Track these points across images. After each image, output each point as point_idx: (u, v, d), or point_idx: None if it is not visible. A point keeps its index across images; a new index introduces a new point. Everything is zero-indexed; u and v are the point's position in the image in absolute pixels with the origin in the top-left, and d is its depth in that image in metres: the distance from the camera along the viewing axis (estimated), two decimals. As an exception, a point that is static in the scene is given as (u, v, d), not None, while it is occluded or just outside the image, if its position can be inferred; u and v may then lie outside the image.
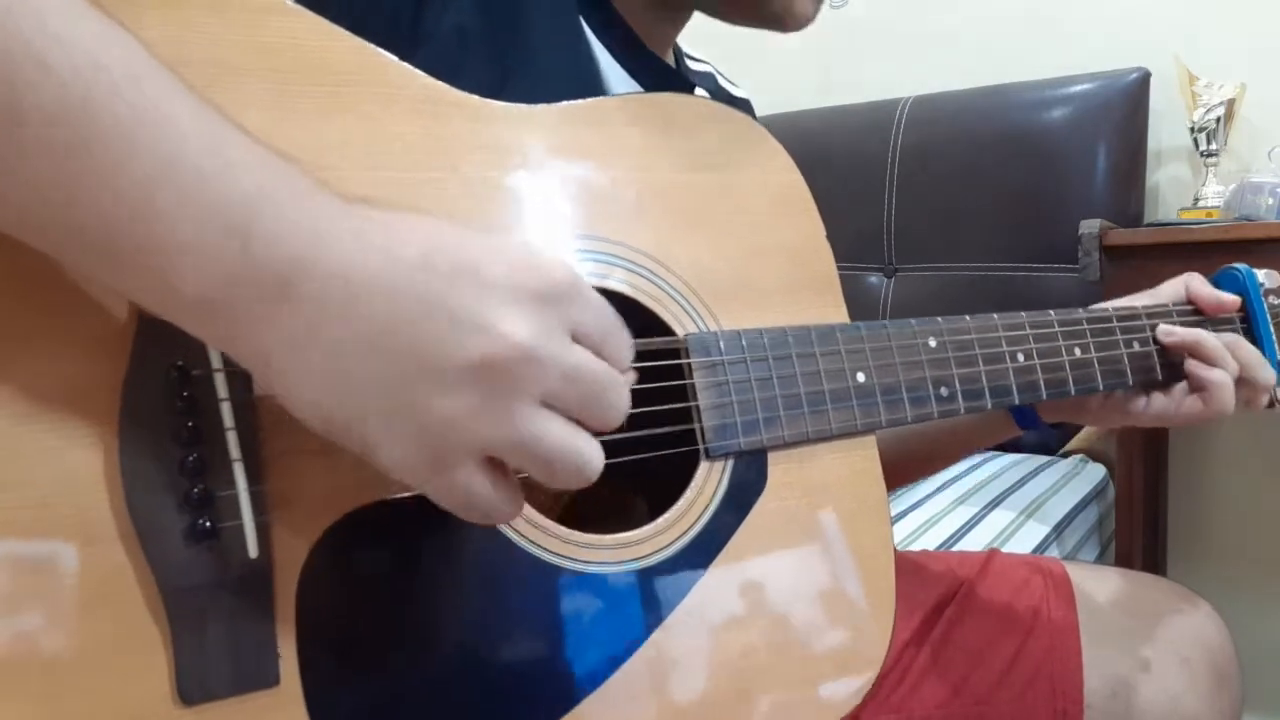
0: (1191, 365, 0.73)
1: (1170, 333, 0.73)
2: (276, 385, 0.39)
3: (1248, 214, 1.46)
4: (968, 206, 1.70)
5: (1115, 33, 1.73)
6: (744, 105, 0.83)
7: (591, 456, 0.41)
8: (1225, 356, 0.72)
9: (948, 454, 0.88)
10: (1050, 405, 0.77)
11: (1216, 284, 0.80)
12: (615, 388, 0.41)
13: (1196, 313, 0.77)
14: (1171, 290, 0.78)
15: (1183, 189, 1.71)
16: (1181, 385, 0.74)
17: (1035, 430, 0.80)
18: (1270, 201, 1.45)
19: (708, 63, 0.83)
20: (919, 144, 1.75)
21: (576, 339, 0.40)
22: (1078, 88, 1.65)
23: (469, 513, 0.40)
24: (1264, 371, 0.73)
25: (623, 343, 0.42)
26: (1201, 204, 1.59)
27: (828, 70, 2.00)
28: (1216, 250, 1.36)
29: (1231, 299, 0.77)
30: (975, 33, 1.87)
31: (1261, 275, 0.80)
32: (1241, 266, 0.79)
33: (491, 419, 0.38)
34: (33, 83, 0.34)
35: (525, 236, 0.51)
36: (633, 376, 0.43)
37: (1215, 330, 0.75)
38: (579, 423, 0.41)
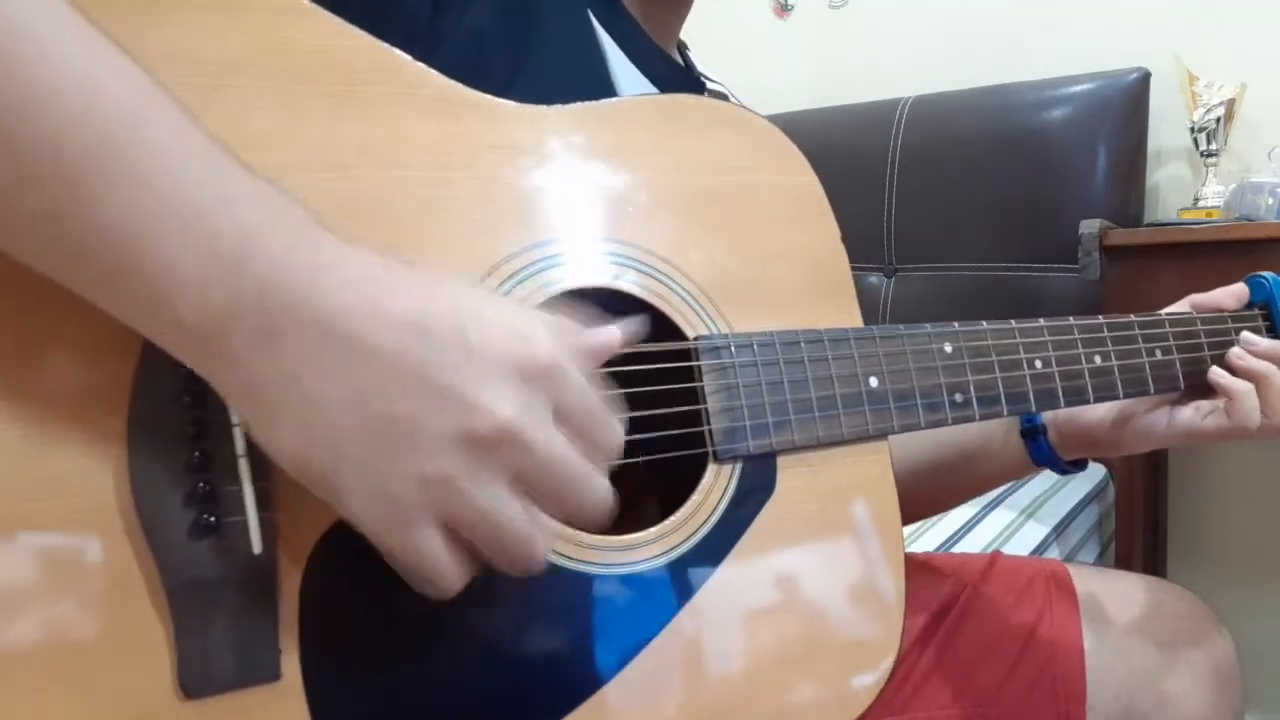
0: (1215, 374, 0.71)
1: (1254, 343, 0.71)
2: (255, 424, 0.40)
3: (1248, 214, 1.46)
4: (968, 206, 1.70)
5: (1115, 33, 1.73)
6: None
7: (539, 551, 0.41)
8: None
9: (959, 492, 0.87)
10: (1069, 440, 0.77)
11: None
12: (587, 480, 0.41)
13: (1217, 318, 0.75)
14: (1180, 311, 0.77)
15: (1183, 189, 1.71)
16: (1200, 402, 0.72)
17: (1054, 468, 0.79)
18: (1270, 201, 1.45)
19: (721, 84, 0.83)
20: (919, 144, 1.75)
21: (560, 418, 0.41)
22: (1078, 88, 1.65)
23: (415, 575, 0.41)
24: None
25: (605, 426, 0.42)
26: (1201, 204, 1.59)
27: (828, 70, 2.00)
28: (1216, 250, 1.37)
29: (1238, 287, 0.77)
30: (975, 33, 1.87)
31: None
32: (1268, 275, 0.77)
33: (459, 490, 0.39)
34: (36, 116, 0.35)
35: (538, 236, 0.51)
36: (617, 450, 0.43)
37: (1238, 328, 0.74)
38: (549, 506, 0.41)
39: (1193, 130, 1.61)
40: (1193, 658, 0.77)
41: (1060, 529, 1.38)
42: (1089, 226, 1.44)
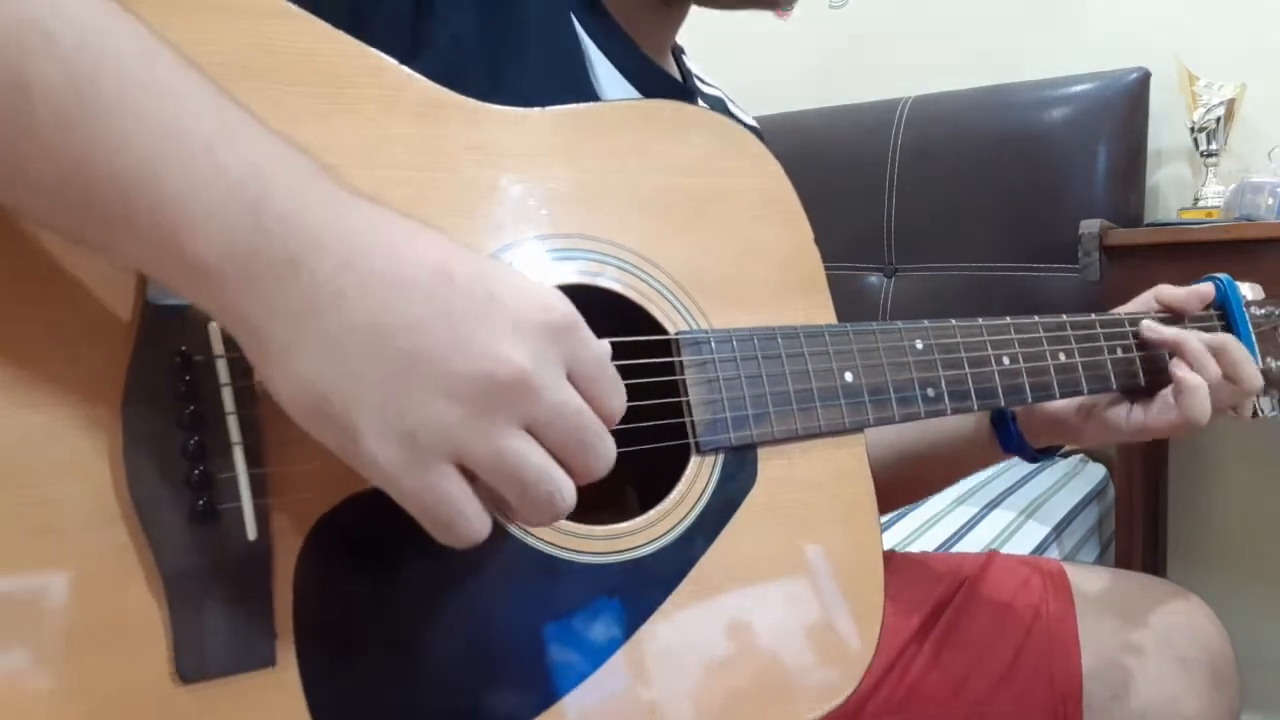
0: (1174, 367, 0.72)
1: (1155, 330, 0.73)
2: (271, 361, 0.39)
3: (1248, 214, 1.46)
4: (968, 206, 1.70)
5: (1115, 33, 1.73)
6: (753, 132, 0.84)
7: (562, 488, 0.41)
8: (1206, 360, 0.72)
9: (932, 480, 0.88)
10: (1037, 428, 0.78)
11: None
12: (596, 433, 0.42)
13: (1175, 319, 0.77)
14: (1143, 302, 0.79)
15: (1183, 189, 1.71)
16: (1162, 396, 0.73)
17: (1023, 455, 0.80)
18: (1270, 201, 1.45)
19: (719, 88, 0.84)
20: (919, 144, 1.75)
21: (571, 377, 0.41)
22: (1078, 88, 1.65)
23: (434, 517, 0.40)
24: (1249, 370, 0.73)
25: (614, 391, 0.43)
26: (1201, 204, 1.59)
27: (828, 70, 2.00)
28: (1216, 250, 1.37)
29: (1206, 288, 0.77)
30: (975, 33, 1.87)
31: (1244, 288, 0.80)
32: (1223, 276, 0.79)
33: (475, 430, 0.39)
34: (40, 57, 0.35)
35: (520, 235, 0.52)
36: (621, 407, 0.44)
37: (1193, 326, 0.75)
38: (560, 461, 0.42)
39: (1193, 130, 1.61)
40: (1190, 656, 0.77)
41: (1060, 529, 1.38)
42: (1089, 226, 1.44)
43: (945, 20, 1.90)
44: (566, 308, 0.41)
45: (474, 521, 0.41)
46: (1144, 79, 1.63)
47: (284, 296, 0.38)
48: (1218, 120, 1.59)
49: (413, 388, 0.38)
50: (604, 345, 0.43)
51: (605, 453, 0.42)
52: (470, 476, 0.41)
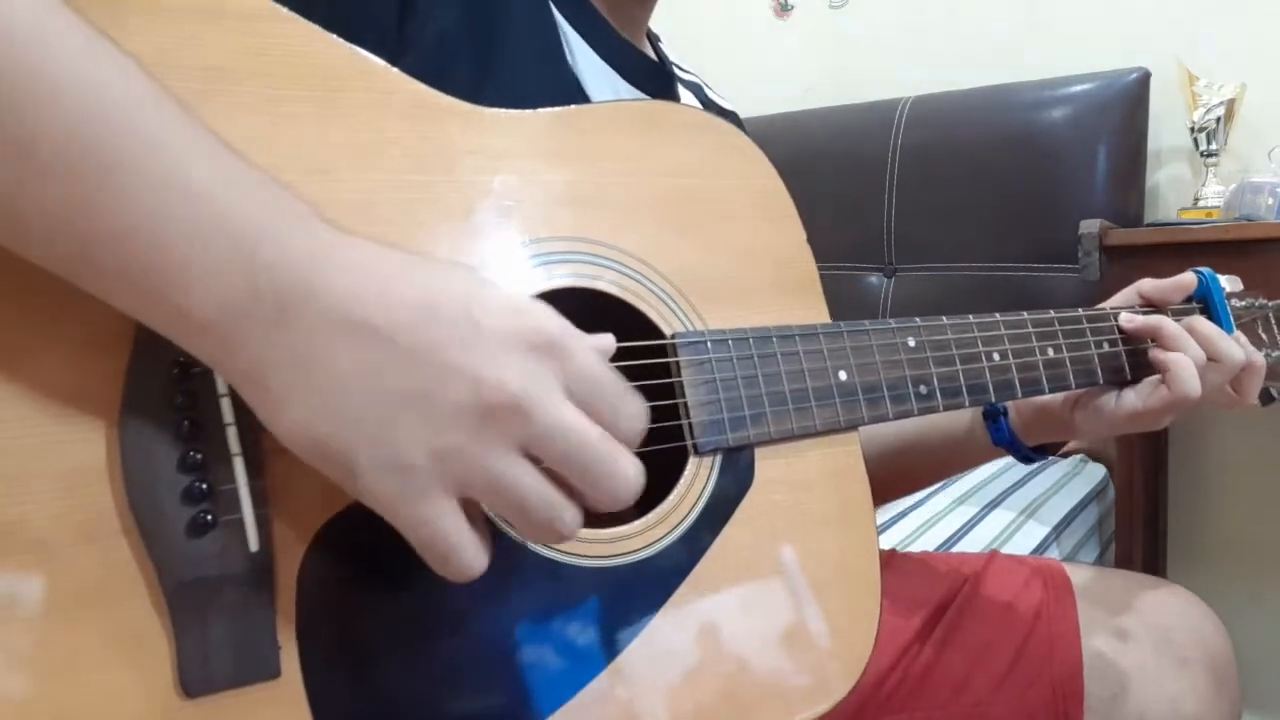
0: (1154, 352, 0.73)
1: (1131, 319, 0.74)
2: (269, 408, 0.39)
3: (1248, 214, 1.47)
4: (968, 206, 1.70)
5: (1115, 33, 1.73)
6: (731, 118, 0.84)
7: (563, 514, 0.41)
8: (1185, 339, 0.72)
9: (925, 475, 0.89)
10: (1029, 422, 0.79)
11: None
12: (601, 455, 0.41)
13: (1156, 312, 0.77)
14: (1126, 297, 0.79)
15: (1183, 189, 1.71)
16: (1150, 380, 0.74)
17: (1014, 453, 0.80)
18: (1270, 201, 1.46)
19: (695, 74, 0.84)
20: (919, 144, 1.75)
21: (569, 394, 0.41)
22: (1078, 88, 1.65)
23: (432, 551, 0.40)
24: (1226, 344, 0.73)
25: (620, 406, 0.42)
26: (1201, 204, 1.59)
27: (828, 70, 2.00)
28: (1216, 250, 1.37)
29: (1187, 278, 0.78)
30: (975, 33, 1.87)
31: (1224, 280, 0.80)
32: (1206, 270, 0.80)
33: (469, 457, 0.39)
34: (43, 113, 0.35)
35: (518, 238, 0.52)
36: (638, 432, 0.42)
37: (1176, 320, 0.75)
38: (569, 485, 0.41)
39: (1193, 130, 1.61)
40: (1190, 656, 0.77)
41: (1060, 529, 1.38)
42: (1089, 226, 1.44)
43: (945, 20, 1.90)
44: (554, 324, 0.41)
45: (469, 557, 0.40)
46: (1144, 79, 1.63)
47: (277, 347, 0.38)
48: (1218, 120, 1.59)
49: (403, 422, 0.39)
50: (596, 360, 0.42)
51: (617, 474, 0.41)
52: (474, 504, 0.40)
